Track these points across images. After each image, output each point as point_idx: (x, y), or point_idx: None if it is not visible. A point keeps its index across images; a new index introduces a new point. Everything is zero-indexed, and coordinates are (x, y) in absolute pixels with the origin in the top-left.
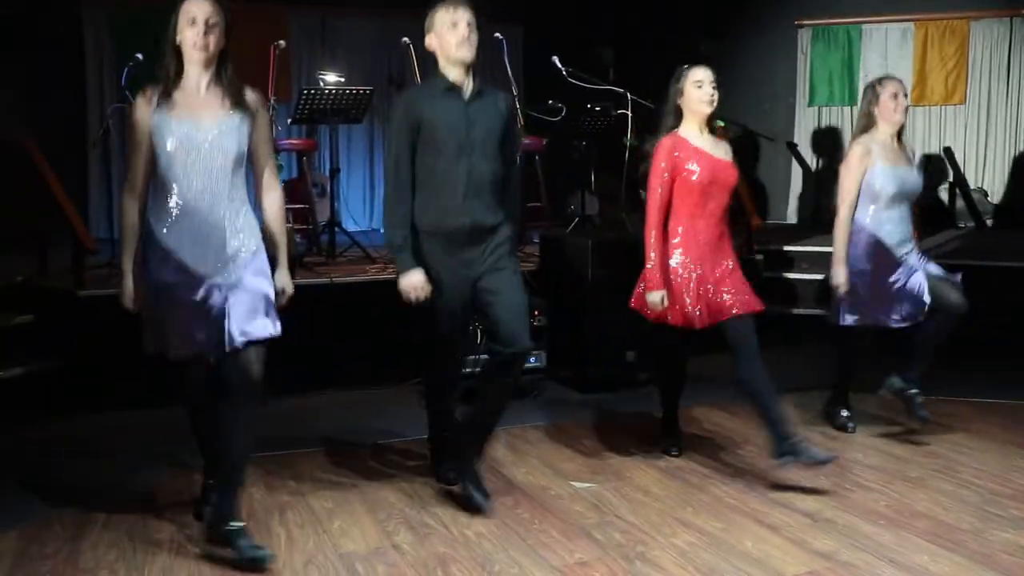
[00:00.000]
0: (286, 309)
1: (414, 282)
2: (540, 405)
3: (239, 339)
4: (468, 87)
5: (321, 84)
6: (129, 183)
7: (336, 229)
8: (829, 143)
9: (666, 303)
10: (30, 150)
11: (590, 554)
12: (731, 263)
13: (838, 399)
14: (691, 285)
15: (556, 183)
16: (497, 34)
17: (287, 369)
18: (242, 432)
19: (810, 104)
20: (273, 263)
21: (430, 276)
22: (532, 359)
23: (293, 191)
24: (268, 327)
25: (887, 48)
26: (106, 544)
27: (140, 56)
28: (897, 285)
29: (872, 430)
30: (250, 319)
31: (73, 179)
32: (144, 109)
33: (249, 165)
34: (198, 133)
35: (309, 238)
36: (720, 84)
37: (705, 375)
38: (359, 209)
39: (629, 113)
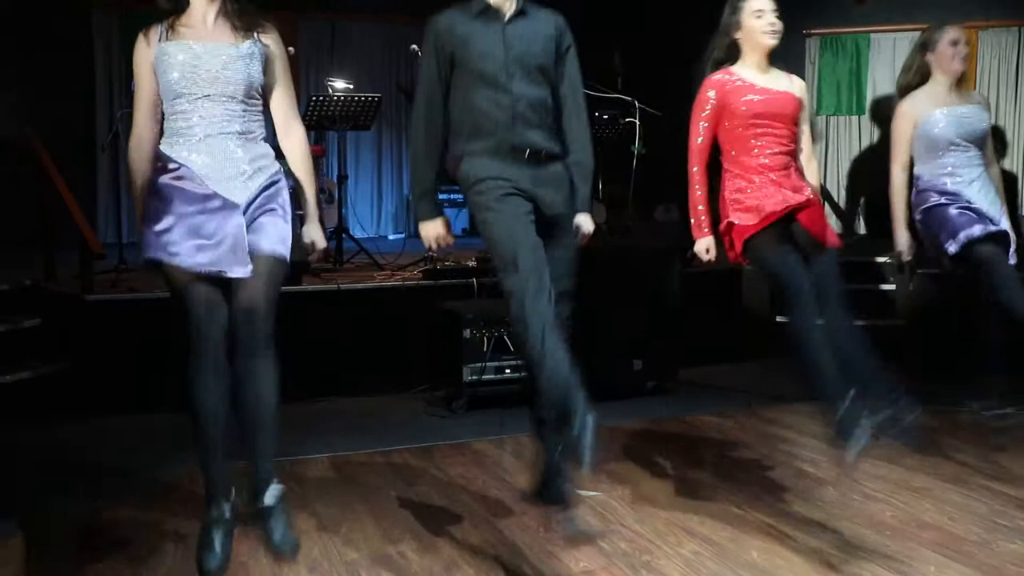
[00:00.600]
0: (317, 263)
1: (437, 231)
2: None
3: (248, 258)
4: (509, 8)
5: (330, 91)
6: (135, 131)
7: (344, 235)
8: (837, 152)
9: (712, 252)
10: (39, 153)
11: (595, 563)
12: (811, 194)
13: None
14: (769, 185)
15: None
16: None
17: (293, 375)
18: (263, 382)
19: (818, 113)
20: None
21: (481, 190)
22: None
23: None
24: (281, 250)
25: (895, 57)
26: (112, 546)
27: None
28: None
29: (879, 439)
30: (259, 250)
31: (81, 183)
32: (145, 49)
33: (264, 103)
34: (204, 60)
35: None
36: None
37: (707, 384)
38: (367, 216)
39: (637, 121)
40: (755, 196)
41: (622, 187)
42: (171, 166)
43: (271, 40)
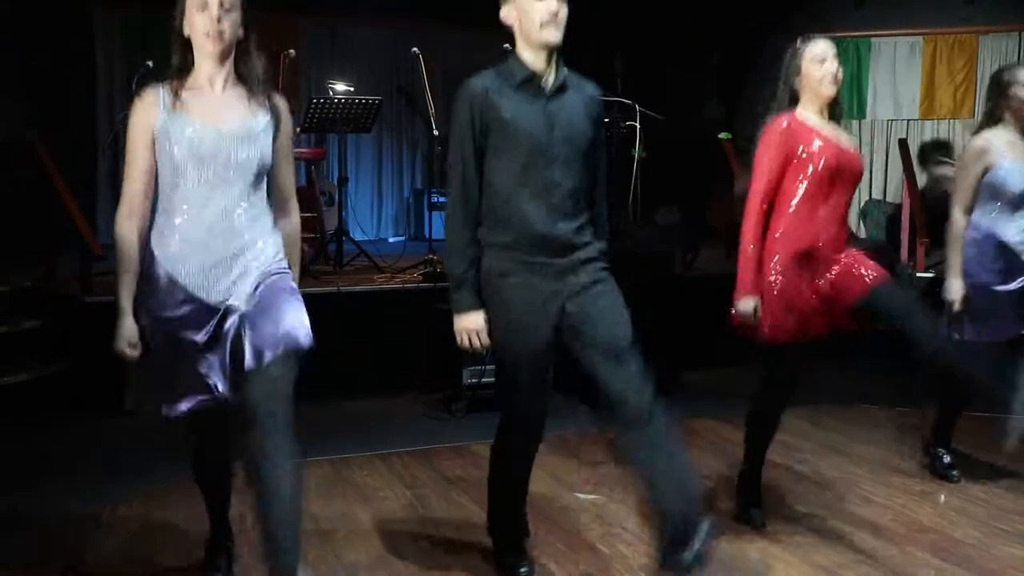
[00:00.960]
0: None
1: (472, 326)
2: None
3: (254, 361)
4: (550, 78)
5: (330, 93)
6: (125, 201)
7: (343, 238)
8: None
9: (759, 313)
10: (39, 155)
11: (594, 566)
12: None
13: (941, 438)
14: (803, 287)
15: None
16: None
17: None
18: (287, 496)
19: None
20: None
21: (503, 298)
22: None
23: (301, 200)
24: (295, 338)
25: (896, 62)
26: (113, 549)
27: (151, 63)
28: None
29: (878, 443)
30: (272, 333)
31: (82, 185)
32: (147, 111)
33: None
34: (213, 139)
35: (316, 247)
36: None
37: (708, 388)
38: (367, 218)
39: (637, 125)
40: (795, 287)
41: (623, 190)
42: (157, 268)
43: (281, 106)
